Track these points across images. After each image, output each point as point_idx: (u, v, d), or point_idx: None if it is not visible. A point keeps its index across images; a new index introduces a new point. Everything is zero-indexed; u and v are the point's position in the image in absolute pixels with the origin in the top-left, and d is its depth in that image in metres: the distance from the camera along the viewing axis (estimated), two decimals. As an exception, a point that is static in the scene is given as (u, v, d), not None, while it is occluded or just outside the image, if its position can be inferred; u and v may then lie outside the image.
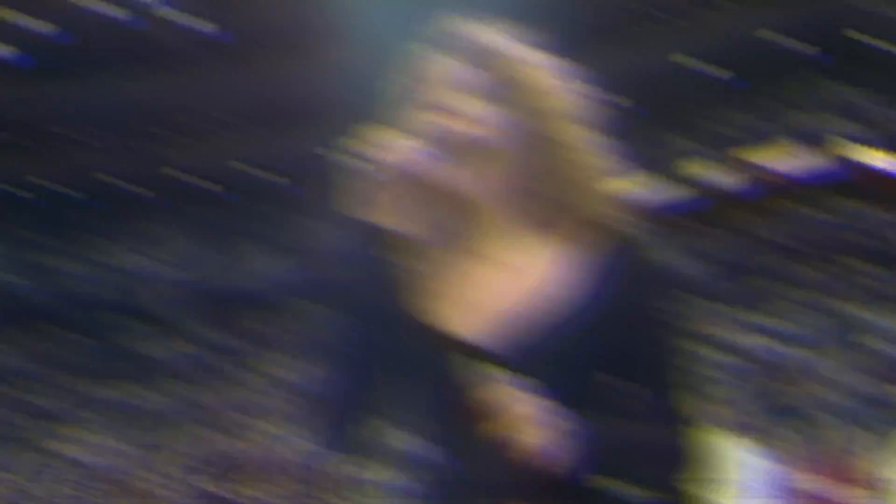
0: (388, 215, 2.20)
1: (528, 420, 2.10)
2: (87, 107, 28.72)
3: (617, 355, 2.18)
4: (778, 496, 14.93)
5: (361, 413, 2.22)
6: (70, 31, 28.67)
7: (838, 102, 25.91)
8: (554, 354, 2.16)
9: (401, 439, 2.25)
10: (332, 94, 24.08)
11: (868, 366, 22.99)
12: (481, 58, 2.24)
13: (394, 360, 2.21)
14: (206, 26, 27.85)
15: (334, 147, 2.33)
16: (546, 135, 2.22)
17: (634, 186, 2.30)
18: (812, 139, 25.99)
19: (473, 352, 2.16)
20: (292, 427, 22.41)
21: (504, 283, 2.23)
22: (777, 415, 22.65)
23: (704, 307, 22.55)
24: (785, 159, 26.45)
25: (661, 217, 2.18)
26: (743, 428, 19.38)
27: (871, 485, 16.55)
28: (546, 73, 2.26)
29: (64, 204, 30.88)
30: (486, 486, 2.16)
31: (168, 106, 28.94)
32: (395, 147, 2.21)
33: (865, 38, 25.63)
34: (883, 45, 25.68)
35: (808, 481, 16.46)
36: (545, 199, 2.23)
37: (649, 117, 25.14)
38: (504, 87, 2.23)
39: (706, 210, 26.44)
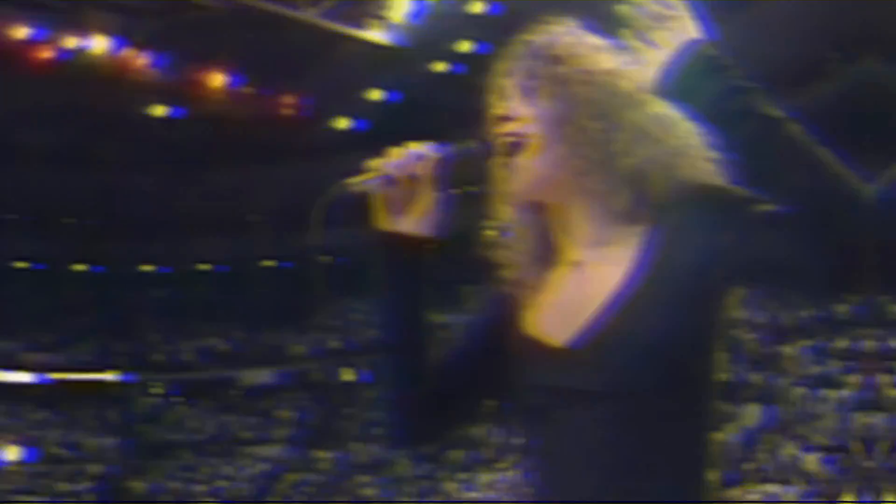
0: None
1: None
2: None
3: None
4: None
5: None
6: (402, 92, 29.69)
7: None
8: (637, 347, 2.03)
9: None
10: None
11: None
12: (534, 53, 2.15)
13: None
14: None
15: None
16: (600, 121, 2.10)
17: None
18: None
19: (566, 356, 2.06)
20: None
21: (586, 282, 2.11)
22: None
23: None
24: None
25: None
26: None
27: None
28: (603, 58, 2.14)
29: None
30: None
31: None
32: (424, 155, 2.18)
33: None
34: None
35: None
36: (611, 185, 2.11)
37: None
38: (553, 78, 2.12)
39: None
